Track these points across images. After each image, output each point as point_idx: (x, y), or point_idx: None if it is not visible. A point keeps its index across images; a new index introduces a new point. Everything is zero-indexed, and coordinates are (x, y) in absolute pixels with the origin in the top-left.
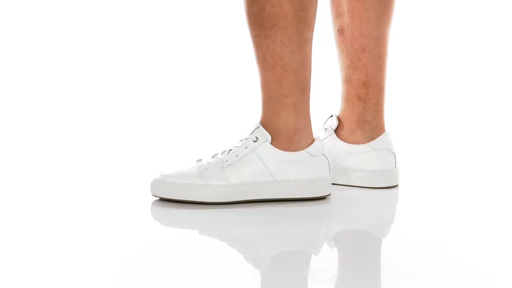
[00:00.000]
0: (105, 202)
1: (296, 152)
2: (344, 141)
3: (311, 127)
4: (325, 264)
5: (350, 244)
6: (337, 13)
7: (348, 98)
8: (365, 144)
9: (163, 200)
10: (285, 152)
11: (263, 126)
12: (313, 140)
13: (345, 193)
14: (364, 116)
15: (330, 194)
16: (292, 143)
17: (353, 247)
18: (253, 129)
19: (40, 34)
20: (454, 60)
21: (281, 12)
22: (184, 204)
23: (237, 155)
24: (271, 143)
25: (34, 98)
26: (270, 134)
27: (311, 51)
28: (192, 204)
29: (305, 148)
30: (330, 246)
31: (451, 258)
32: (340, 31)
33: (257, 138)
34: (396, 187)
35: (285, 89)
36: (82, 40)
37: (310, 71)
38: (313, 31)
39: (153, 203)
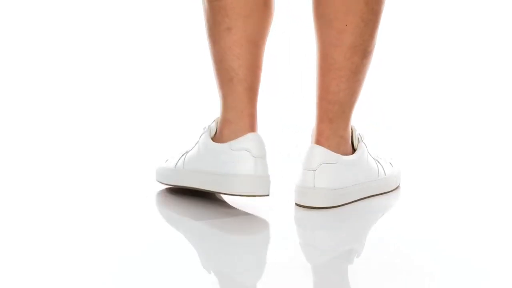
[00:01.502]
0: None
1: (218, 144)
2: None
3: (249, 122)
4: (324, 263)
5: (347, 242)
6: None
7: None
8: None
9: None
10: (212, 142)
11: None
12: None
13: None
14: None
15: (256, 196)
16: (221, 134)
17: (350, 245)
18: (215, 119)
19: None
20: (454, 60)
21: (204, 6)
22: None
23: (196, 141)
24: (214, 134)
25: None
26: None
27: (240, 39)
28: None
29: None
30: (328, 246)
31: (446, 254)
32: None
33: (205, 127)
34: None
35: (218, 81)
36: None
37: (243, 61)
38: (240, 19)
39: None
